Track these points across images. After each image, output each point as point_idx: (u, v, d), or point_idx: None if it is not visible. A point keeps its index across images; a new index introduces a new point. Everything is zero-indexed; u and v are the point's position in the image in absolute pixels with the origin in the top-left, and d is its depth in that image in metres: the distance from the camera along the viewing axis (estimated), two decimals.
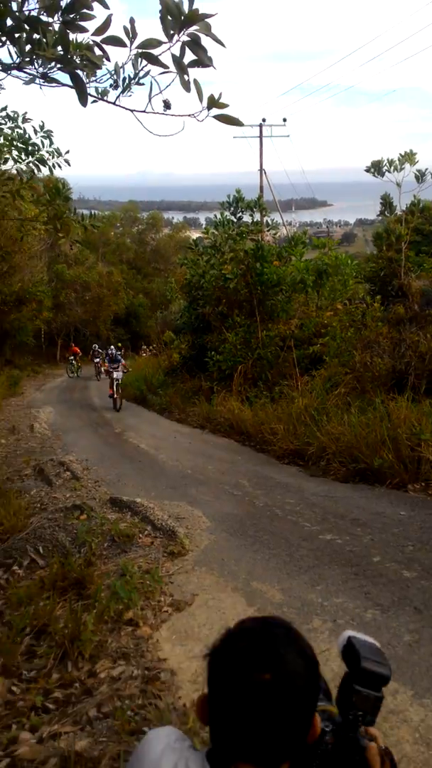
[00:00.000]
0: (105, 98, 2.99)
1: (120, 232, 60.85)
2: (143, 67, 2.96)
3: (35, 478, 8.43)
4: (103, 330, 45.48)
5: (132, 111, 3.00)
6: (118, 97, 2.98)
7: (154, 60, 2.80)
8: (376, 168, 12.55)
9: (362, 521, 5.92)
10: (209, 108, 2.74)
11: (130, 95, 3.03)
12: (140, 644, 3.83)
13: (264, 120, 28.91)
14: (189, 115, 2.84)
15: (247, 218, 17.01)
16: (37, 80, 2.75)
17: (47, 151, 7.68)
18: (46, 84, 2.76)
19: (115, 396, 17.21)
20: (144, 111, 2.93)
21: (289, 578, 4.69)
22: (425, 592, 4.13)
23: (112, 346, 20.01)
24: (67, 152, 8.02)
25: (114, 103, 2.99)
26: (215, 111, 2.77)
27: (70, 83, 2.68)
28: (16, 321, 28.84)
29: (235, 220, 16.63)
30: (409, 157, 12.24)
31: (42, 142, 7.62)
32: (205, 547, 5.60)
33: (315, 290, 14.18)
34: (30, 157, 6.84)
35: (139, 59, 2.91)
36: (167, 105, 2.91)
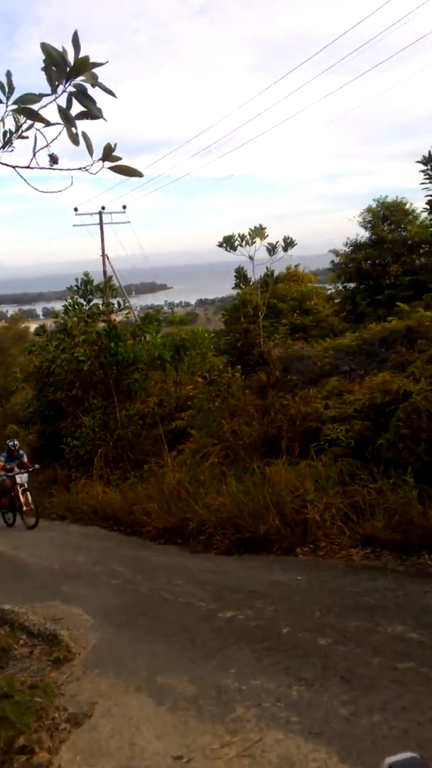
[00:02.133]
0: None
1: None
2: (25, 121, 2.76)
3: None
4: None
5: (15, 167, 2.76)
6: None
7: (35, 115, 2.61)
8: (228, 243, 13.08)
9: (260, 593, 5.67)
10: (104, 160, 2.58)
11: (12, 150, 2.79)
12: None
13: (103, 207, 29.54)
14: (80, 169, 2.65)
15: (96, 301, 16.93)
16: None
17: None
18: None
19: (27, 507, 11.56)
20: (28, 167, 2.71)
21: (196, 666, 4.28)
22: (347, 659, 3.92)
23: (14, 440, 13.03)
24: None
25: None
26: (110, 163, 2.61)
27: None
28: None
29: (84, 302, 16.46)
30: (259, 233, 12.93)
31: None
32: (93, 647, 5.03)
33: (173, 365, 14.25)
34: None
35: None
36: (54, 160, 2.71)
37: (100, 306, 16.44)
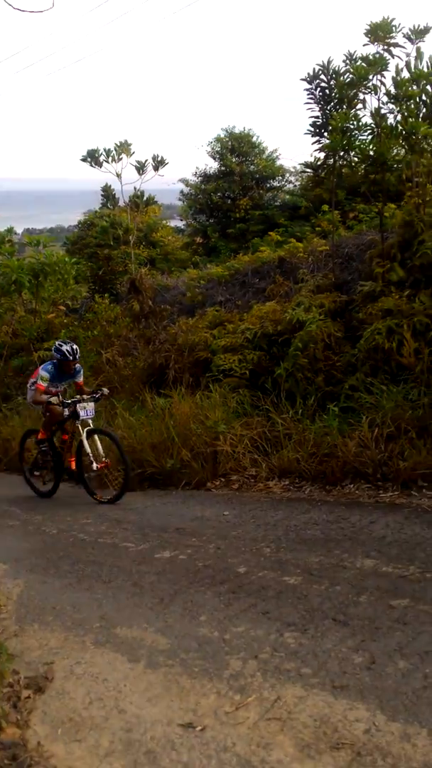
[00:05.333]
0: None
1: None
2: None
3: None
4: None
5: None
6: None
7: None
8: (93, 158, 12.02)
9: (189, 530, 5.35)
10: None
11: None
12: (18, 754, 2.69)
13: None
14: None
15: None
16: None
17: None
18: None
19: (99, 464, 6.83)
20: None
21: (156, 615, 3.87)
22: (330, 599, 3.72)
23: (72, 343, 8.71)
24: None
25: None
26: None
27: None
28: None
29: None
30: (125, 148, 11.98)
31: None
32: (20, 597, 4.43)
33: (31, 292, 12.97)
34: None
35: None
36: None
37: None
